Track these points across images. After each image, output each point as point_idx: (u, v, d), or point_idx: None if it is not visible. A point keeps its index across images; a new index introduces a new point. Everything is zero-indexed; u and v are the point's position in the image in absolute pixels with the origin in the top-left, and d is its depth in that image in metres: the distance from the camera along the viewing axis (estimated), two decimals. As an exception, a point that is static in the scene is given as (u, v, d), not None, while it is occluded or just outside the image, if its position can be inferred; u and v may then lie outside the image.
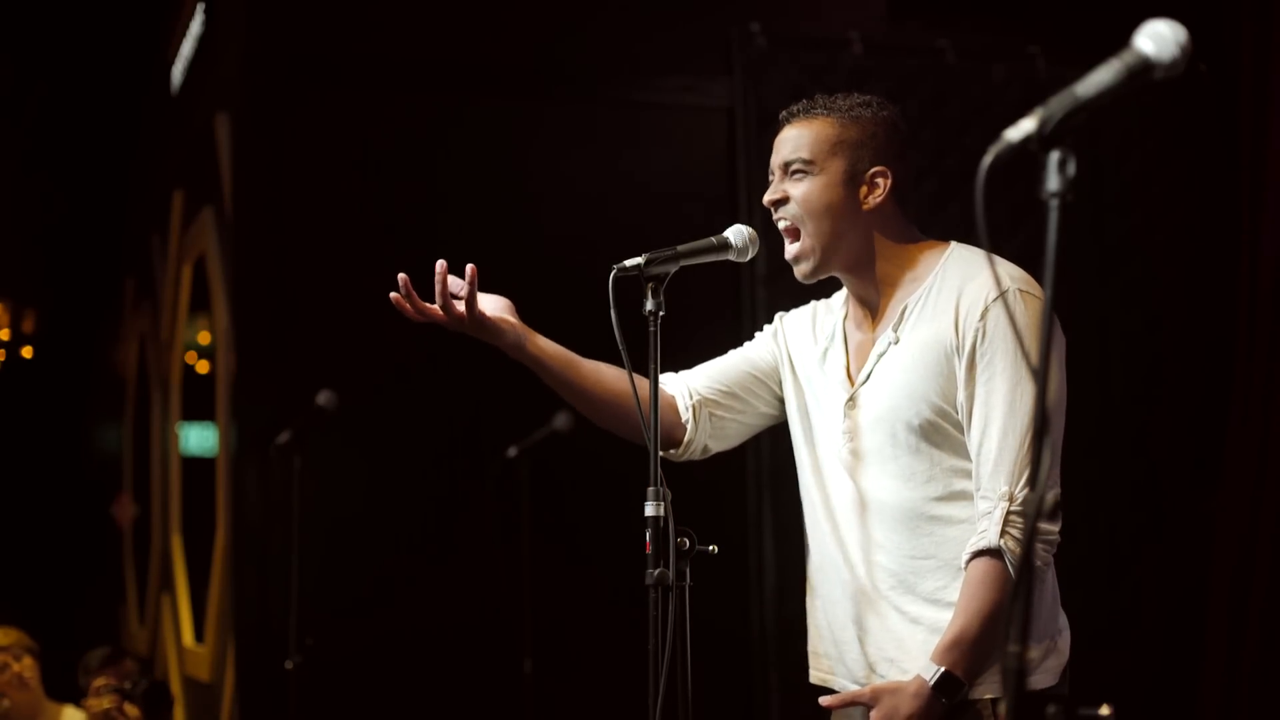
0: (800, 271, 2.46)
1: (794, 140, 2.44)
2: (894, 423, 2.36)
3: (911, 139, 2.49)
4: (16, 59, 7.95)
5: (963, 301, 2.31)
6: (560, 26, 5.30)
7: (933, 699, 2.22)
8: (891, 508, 2.37)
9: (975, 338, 2.28)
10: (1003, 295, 2.28)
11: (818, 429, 2.52)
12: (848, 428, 2.43)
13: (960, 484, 2.32)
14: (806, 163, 2.41)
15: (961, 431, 2.32)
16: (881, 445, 2.38)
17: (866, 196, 2.42)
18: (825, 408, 2.50)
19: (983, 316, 2.28)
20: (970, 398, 2.28)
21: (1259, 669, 5.09)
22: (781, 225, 2.46)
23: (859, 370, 2.44)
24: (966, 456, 2.32)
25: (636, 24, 5.33)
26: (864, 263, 2.44)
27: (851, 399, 2.43)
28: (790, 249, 2.45)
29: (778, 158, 2.46)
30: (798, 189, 2.42)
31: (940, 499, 2.33)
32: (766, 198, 2.47)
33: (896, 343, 2.38)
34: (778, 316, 2.67)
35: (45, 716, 4.51)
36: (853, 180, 2.41)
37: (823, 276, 2.47)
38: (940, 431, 2.33)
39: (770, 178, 2.49)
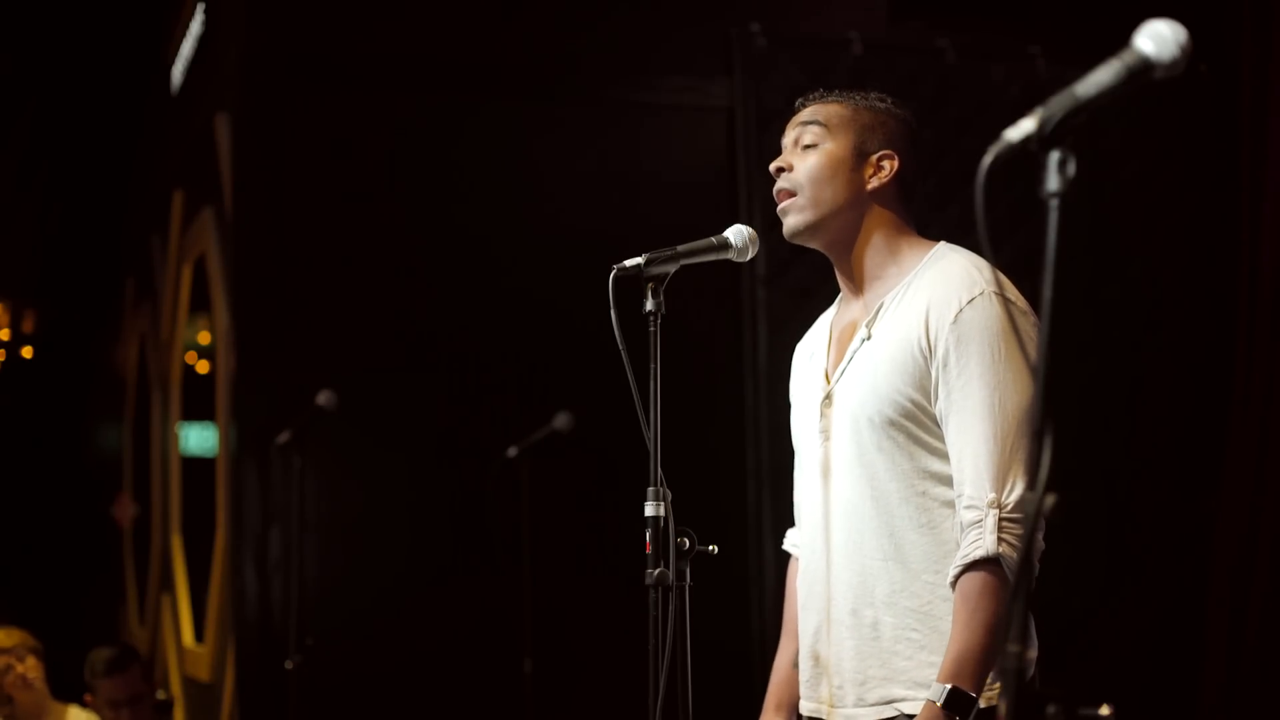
0: (788, 225, 2.43)
1: (810, 112, 2.45)
2: (858, 419, 2.33)
3: (918, 141, 2.49)
4: (16, 59, 7.95)
5: (934, 303, 2.29)
6: (560, 27, 5.30)
7: (946, 719, 2.17)
8: (855, 509, 2.34)
9: (948, 343, 2.25)
10: (977, 298, 2.25)
11: (802, 438, 2.51)
12: (823, 427, 2.41)
13: (923, 485, 2.29)
14: (820, 128, 2.41)
15: (927, 432, 2.28)
16: (848, 443, 2.35)
17: (871, 177, 2.41)
18: (806, 411, 2.49)
19: (955, 320, 2.25)
20: (948, 405, 2.25)
21: (1259, 669, 5.09)
22: (779, 191, 2.44)
23: (836, 367, 2.43)
24: (933, 457, 2.28)
25: (637, 24, 5.33)
26: (850, 243, 2.42)
27: (828, 397, 2.41)
28: (783, 203, 2.44)
29: (790, 130, 2.47)
30: (804, 159, 2.42)
31: (904, 500, 2.29)
32: (773, 164, 2.45)
33: (869, 338, 2.36)
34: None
35: (51, 717, 4.51)
36: (860, 157, 2.41)
37: (808, 241, 2.44)
38: (904, 431, 2.29)
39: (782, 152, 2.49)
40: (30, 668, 4.45)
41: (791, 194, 2.42)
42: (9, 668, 4.42)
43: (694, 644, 2.26)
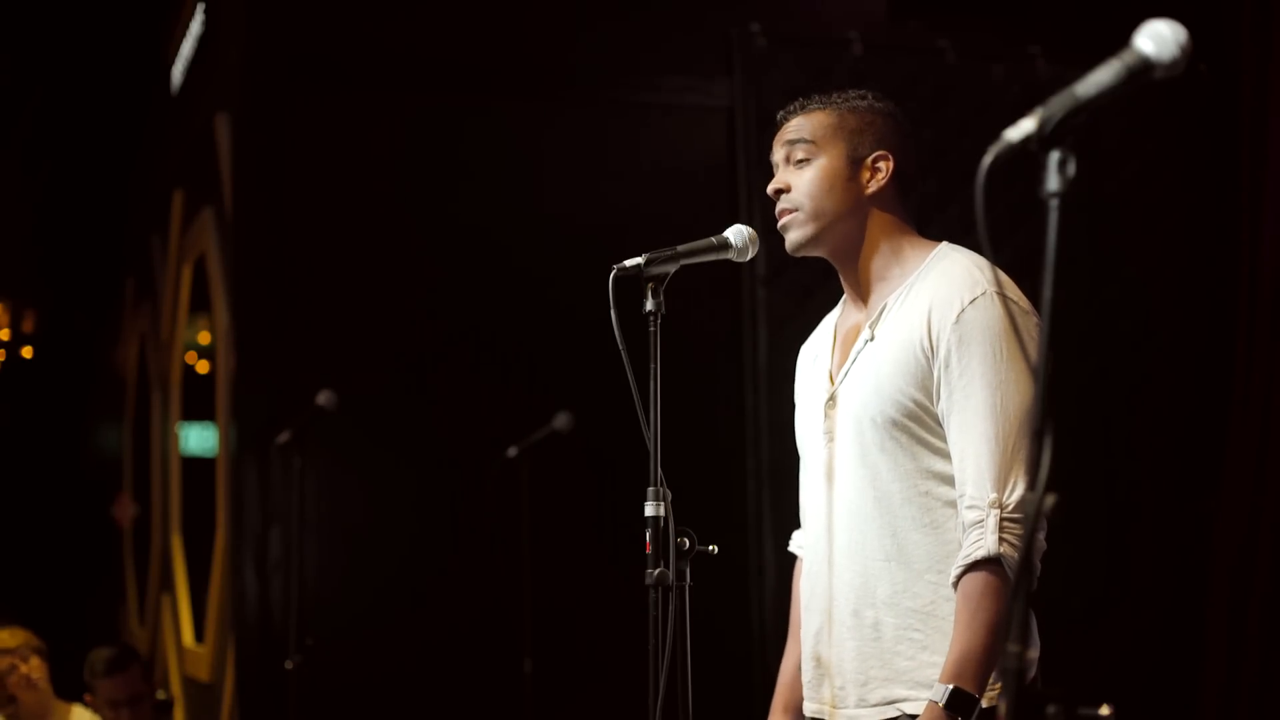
0: (790, 240, 2.43)
1: (795, 129, 2.43)
2: (861, 420, 2.33)
3: (912, 132, 2.48)
4: (16, 59, 7.95)
5: (936, 303, 2.28)
6: (560, 27, 5.30)
7: (949, 719, 2.16)
8: (858, 509, 2.33)
9: (950, 343, 2.24)
10: (979, 298, 2.25)
11: (806, 439, 2.50)
12: (827, 428, 2.41)
13: (926, 485, 2.28)
14: (809, 144, 2.40)
15: (930, 432, 2.28)
16: (852, 444, 2.35)
17: (868, 182, 2.40)
18: (810, 412, 2.48)
19: (958, 320, 2.24)
20: (950, 405, 2.25)
21: (1259, 668, 5.09)
22: (781, 212, 2.43)
23: (840, 368, 2.42)
24: (935, 457, 2.28)
25: (637, 24, 5.33)
26: (855, 249, 2.41)
27: (831, 398, 2.41)
28: (783, 219, 2.43)
29: (779, 148, 2.45)
30: (800, 176, 2.40)
31: (906, 500, 2.29)
32: (770, 186, 2.44)
33: (872, 339, 2.36)
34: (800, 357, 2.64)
35: (55, 716, 4.52)
36: (855, 164, 2.39)
37: (811, 253, 2.44)
38: (907, 431, 2.29)
39: (775, 171, 2.48)
40: (34, 668, 4.46)
41: (792, 211, 2.42)
42: (13, 668, 4.43)
43: (694, 644, 2.26)
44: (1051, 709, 1.42)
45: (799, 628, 2.52)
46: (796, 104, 2.47)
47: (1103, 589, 5.33)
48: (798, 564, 2.60)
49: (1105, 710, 1.42)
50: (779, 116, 2.49)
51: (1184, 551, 5.46)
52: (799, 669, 2.52)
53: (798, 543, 2.61)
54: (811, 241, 2.42)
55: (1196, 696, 5.26)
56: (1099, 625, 5.27)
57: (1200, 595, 5.33)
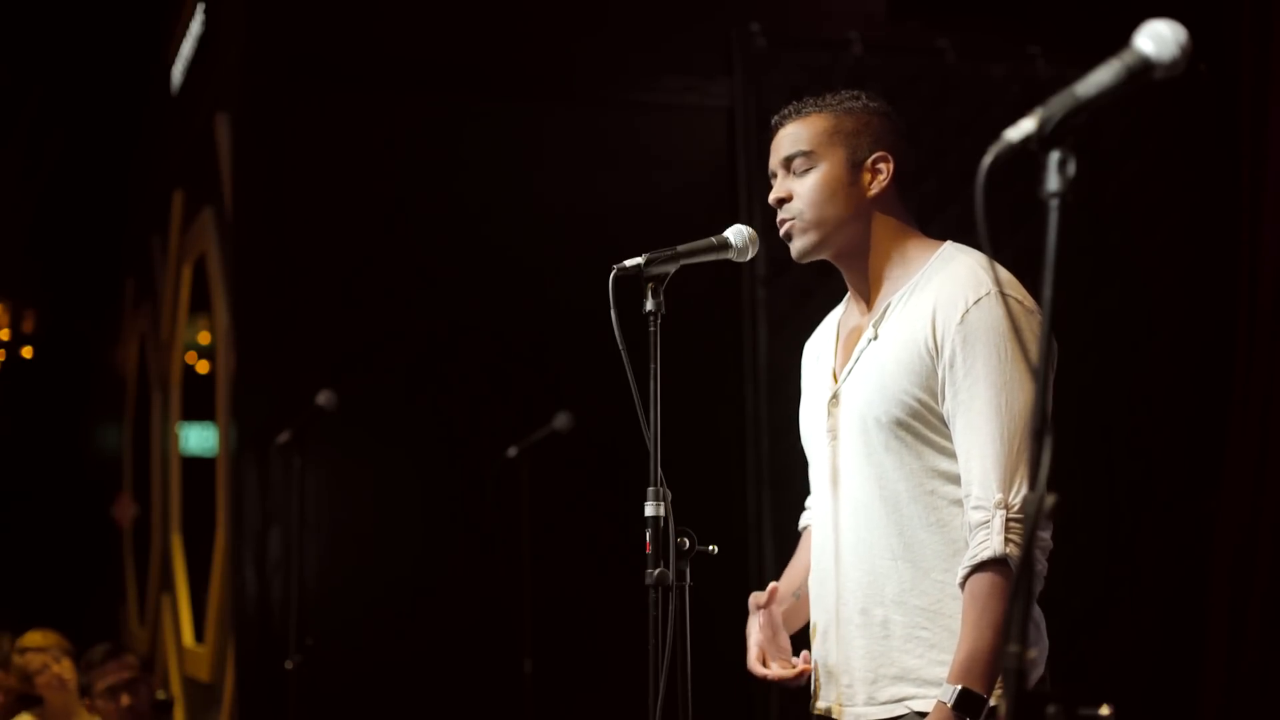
0: (796, 248, 2.43)
1: (792, 136, 2.42)
2: (866, 419, 2.33)
3: (906, 131, 2.47)
4: (16, 59, 7.95)
5: (940, 303, 2.28)
6: (560, 27, 5.30)
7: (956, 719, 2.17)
8: (865, 508, 2.34)
9: (955, 343, 2.24)
10: (983, 298, 2.24)
11: (809, 438, 2.51)
12: (830, 426, 2.41)
13: (932, 484, 2.29)
14: (808, 154, 2.39)
15: (935, 431, 2.28)
16: (857, 443, 2.35)
17: (870, 184, 2.39)
18: (813, 411, 2.49)
19: (962, 320, 2.24)
20: (955, 406, 2.25)
21: (1259, 668, 5.09)
22: (782, 222, 2.44)
23: (843, 367, 2.42)
24: (941, 456, 2.29)
25: (637, 25, 5.33)
26: (861, 252, 2.41)
27: (834, 396, 2.41)
28: (785, 228, 2.43)
29: (776, 158, 2.44)
30: (801, 184, 2.40)
31: (913, 499, 2.29)
32: (771, 196, 2.44)
33: (875, 339, 2.36)
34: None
35: (80, 718, 4.53)
36: (855, 168, 2.39)
37: (816, 258, 2.44)
38: (912, 431, 2.29)
39: (771, 180, 2.48)
40: (65, 668, 4.49)
41: (793, 219, 2.42)
42: (45, 666, 4.46)
43: (694, 644, 2.26)
44: (1051, 709, 1.42)
45: (799, 569, 2.57)
46: (790, 109, 2.46)
47: (1103, 589, 5.33)
48: (808, 529, 2.61)
49: (1105, 710, 1.42)
50: (773, 121, 2.47)
51: (1184, 551, 5.46)
52: (792, 596, 2.57)
53: (807, 519, 2.63)
54: (815, 248, 2.42)
55: (1196, 696, 5.26)
56: (1099, 625, 5.27)
57: (1200, 595, 5.33)
